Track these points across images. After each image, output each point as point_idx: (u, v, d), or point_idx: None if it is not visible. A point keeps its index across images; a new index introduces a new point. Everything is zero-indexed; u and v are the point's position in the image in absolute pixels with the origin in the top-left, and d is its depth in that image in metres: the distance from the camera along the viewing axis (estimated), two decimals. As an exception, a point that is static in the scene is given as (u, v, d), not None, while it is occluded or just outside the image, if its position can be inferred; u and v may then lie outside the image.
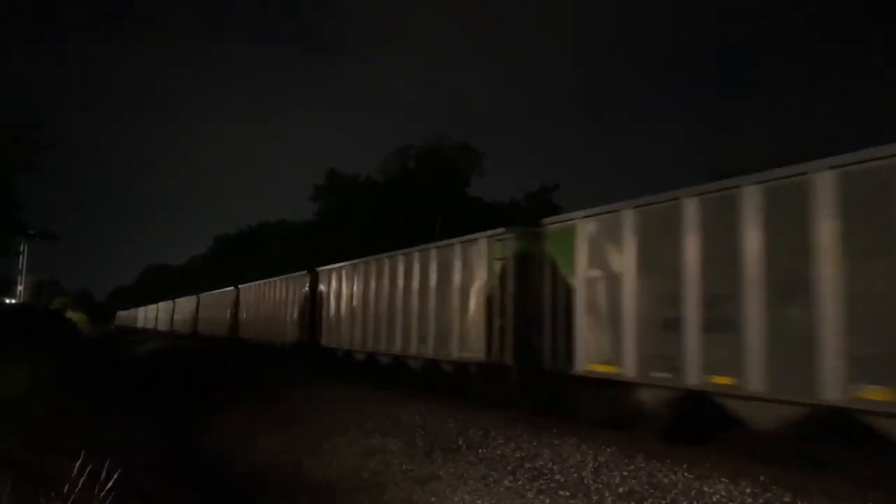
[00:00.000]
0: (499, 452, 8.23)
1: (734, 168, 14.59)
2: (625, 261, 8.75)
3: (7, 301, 38.10)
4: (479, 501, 6.84)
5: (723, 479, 6.42)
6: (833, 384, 6.31)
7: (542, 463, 7.64)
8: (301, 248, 41.87)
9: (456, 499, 6.99)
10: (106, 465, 3.69)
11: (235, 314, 29.80)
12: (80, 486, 3.65)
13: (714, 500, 6.09)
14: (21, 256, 39.08)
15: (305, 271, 21.25)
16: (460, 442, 8.89)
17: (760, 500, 5.94)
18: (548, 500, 6.58)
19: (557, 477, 7.15)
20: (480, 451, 8.41)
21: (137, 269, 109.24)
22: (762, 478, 6.41)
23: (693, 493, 6.27)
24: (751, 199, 7.27)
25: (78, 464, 3.64)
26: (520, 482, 7.13)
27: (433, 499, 7.13)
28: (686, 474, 6.70)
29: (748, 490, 6.13)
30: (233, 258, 59.04)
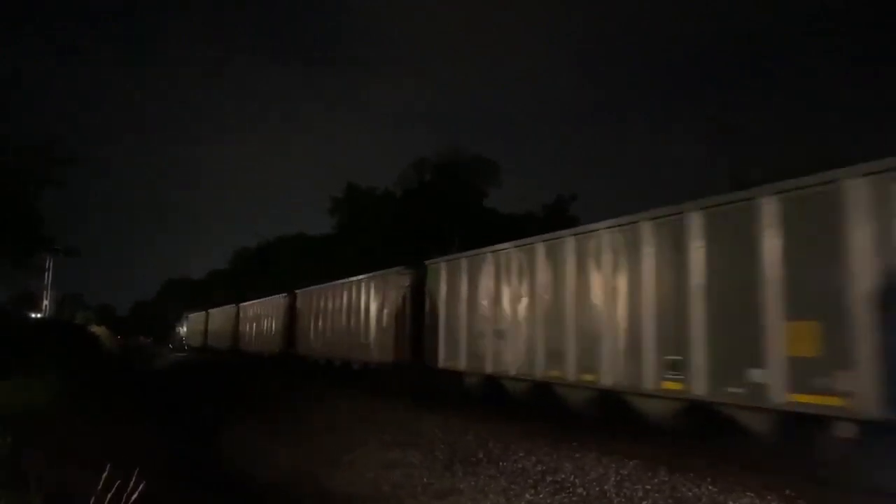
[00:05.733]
0: (519, 466, 8.20)
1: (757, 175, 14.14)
2: None
3: (33, 316, 38.78)
4: (500, 515, 6.80)
5: (748, 494, 6.33)
6: None
7: (563, 476, 7.59)
8: (319, 261, 42.18)
9: (477, 512, 6.96)
10: (133, 480, 3.73)
11: (291, 326, 24.96)
12: (107, 500, 3.70)
13: (739, 514, 6.01)
14: (46, 272, 39.81)
15: (402, 267, 16.43)
16: (480, 455, 8.86)
17: (787, 515, 5.84)
18: (570, 514, 6.52)
19: (580, 490, 7.10)
20: (501, 464, 8.38)
21: (157, 284, 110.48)
22: (788, 492, 6.31)
23: (718, 507, 6.18)
24: None
25: (104, 476, 3.69)
26: (541, 496, 7.08)
27: (454, 512, 7.10)
28: (710, 488, 6.62)
29: (774, 504, 6.04)
30: (252, 272, 59.47)
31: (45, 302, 43.65)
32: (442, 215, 36.68)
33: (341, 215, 44.18)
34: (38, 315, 40.86)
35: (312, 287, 23.38)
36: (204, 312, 46.05)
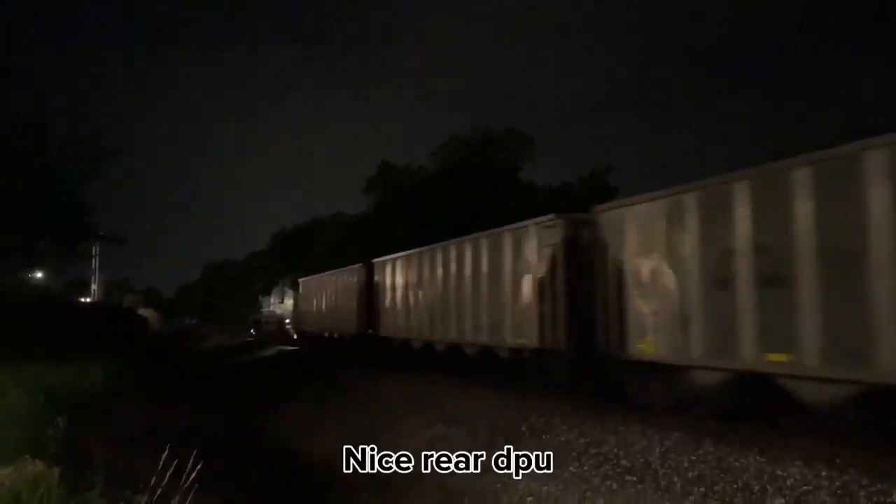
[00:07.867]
0: (562, 439, 8.22)
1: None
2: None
3: (83, 300, 40.09)
4: (544, 488, 6.86)
5: (797, 463, 6.25)
6: None
7: (607, 449, 7.60)
8: (357, 239, 42.45)
9: (521, 485, 7.04)
10: (191, 460, 3.88)
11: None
12: (165, 479, 3.85)
13: (788, 483, 5.94)
14: (94, 259, 40.96)
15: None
16: (524, 429, 8.92)
17: (837, 483, 5.77)
18: (615, 486, 6.55)
19: (623, 462, 7.10)
20: (544, 437, 8.42)
21: (199, 266, 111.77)
22: (838, 460, 6.22)
23: (766, 476, 6.13)
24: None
25: (163, 457, 3.84)
26: (585, 468, 7.11)
27: (498, 485, 7.20)
28: (757, 458, 6.56)
29: (824, 473, 5.96)
30: (291, 252, 60.11)
31: (94, 286, 45.02)
32: (477, 190, 36.49)
33: (376, 194, 44.26)
34: (88, 300, 42.22)
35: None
36: (360, 267, 21.72)
